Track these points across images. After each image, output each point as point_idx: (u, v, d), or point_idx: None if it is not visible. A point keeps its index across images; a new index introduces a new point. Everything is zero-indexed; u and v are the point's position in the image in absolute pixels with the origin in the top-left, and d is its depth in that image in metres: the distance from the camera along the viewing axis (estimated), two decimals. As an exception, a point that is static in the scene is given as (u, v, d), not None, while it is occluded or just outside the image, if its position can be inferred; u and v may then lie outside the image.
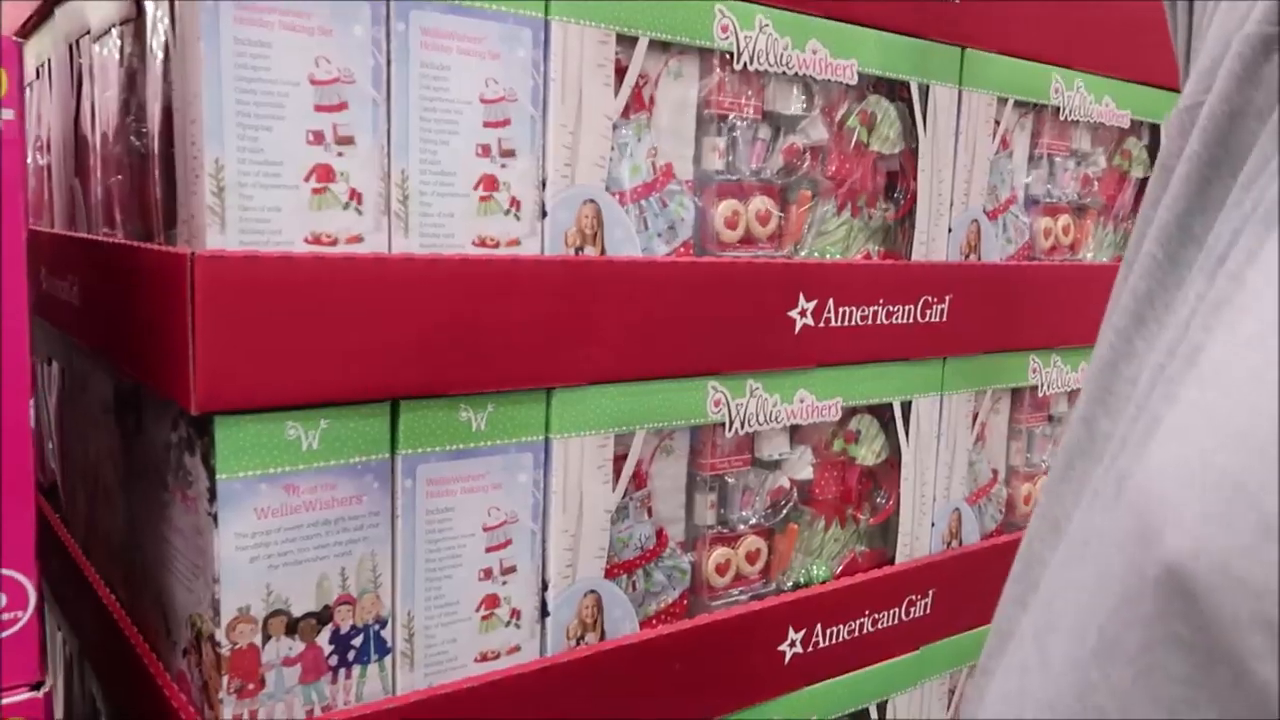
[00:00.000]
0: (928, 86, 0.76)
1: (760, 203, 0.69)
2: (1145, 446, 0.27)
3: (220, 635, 0.50)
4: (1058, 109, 0.86)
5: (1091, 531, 0.30)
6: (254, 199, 0.49)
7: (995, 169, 0.84)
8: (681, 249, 0.65)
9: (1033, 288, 0.86)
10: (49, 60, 0.79)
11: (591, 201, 0.60)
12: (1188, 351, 0.28)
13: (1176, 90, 1.00)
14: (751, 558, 0.72)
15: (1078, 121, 0.89)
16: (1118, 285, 0.36)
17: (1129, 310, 0.34)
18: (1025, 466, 0.92)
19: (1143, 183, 0.98)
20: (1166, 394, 0.28)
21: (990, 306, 0.83)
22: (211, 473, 0.49)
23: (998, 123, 0.82)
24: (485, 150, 0.56)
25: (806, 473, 0.75)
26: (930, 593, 0.81)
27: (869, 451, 0.79)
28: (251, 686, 0.51)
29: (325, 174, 0.51)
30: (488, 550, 0.58)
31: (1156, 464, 0.26)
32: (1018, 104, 0.84)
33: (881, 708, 0.81)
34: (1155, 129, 0.97)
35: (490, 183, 0.56)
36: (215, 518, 0.49)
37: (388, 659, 0.55)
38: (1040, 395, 0.90)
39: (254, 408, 0.49)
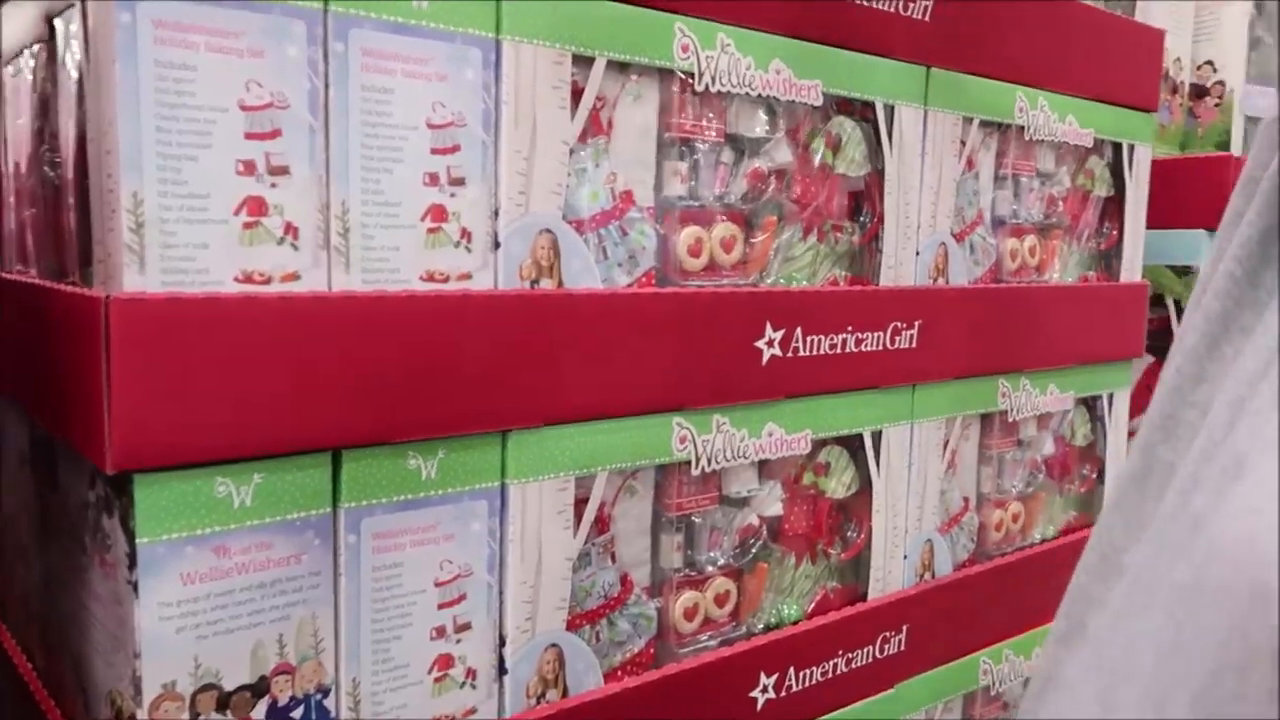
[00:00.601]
0: (893, 107, 0.74)
1: (724, 229, 0.66)
2: (1230, 489, 0.24)
3: (142, 715, 0.45)
4: (1023, 128, 0.85)
5: (1162, 579, 0.27)
6: (177, 235, 0.45)
7: (962, 190, 0.82)
8: (643, 279, 0.62)
9: (1001, 310, 0.85)
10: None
11: (548, 231, 0.57)
12: None
13: (1138, 109, 0.99)
14: (720, 600, 0.68)
15: (1042, 141, 0.87)
16: (1191, 304, 0.33)
17: (1201, 331, 0.31)
18: (996, 493, 0.90)
19: (1106, 202, 0.97)
20: (1255, 431, 0.25)
21: (960, 331, 0.81)
22: (131, 536, 0.44)
23: (963, 143, 0.81)
24: (433, 179, 0.52)
25: (776, 508, 0.72)
26: (904, 628, 0.79)
27: (839, 484, 0.76)
28: (179, 770, 0.46)
29: (257, 207, 0.47)
30: (440, 607, 0.54)
31: (1268, 514, 0.22)
32: (983, 124, 0.82)
33: (856, 749, 0.78)
34: (1117, 148, 0.96)
35: (439, 213, 0.52)
36: (135, 586, 0.44)
37: (332, 730, 0.51)
38: (1010, 420, 0.88)
39: (178, 464, 0.45)
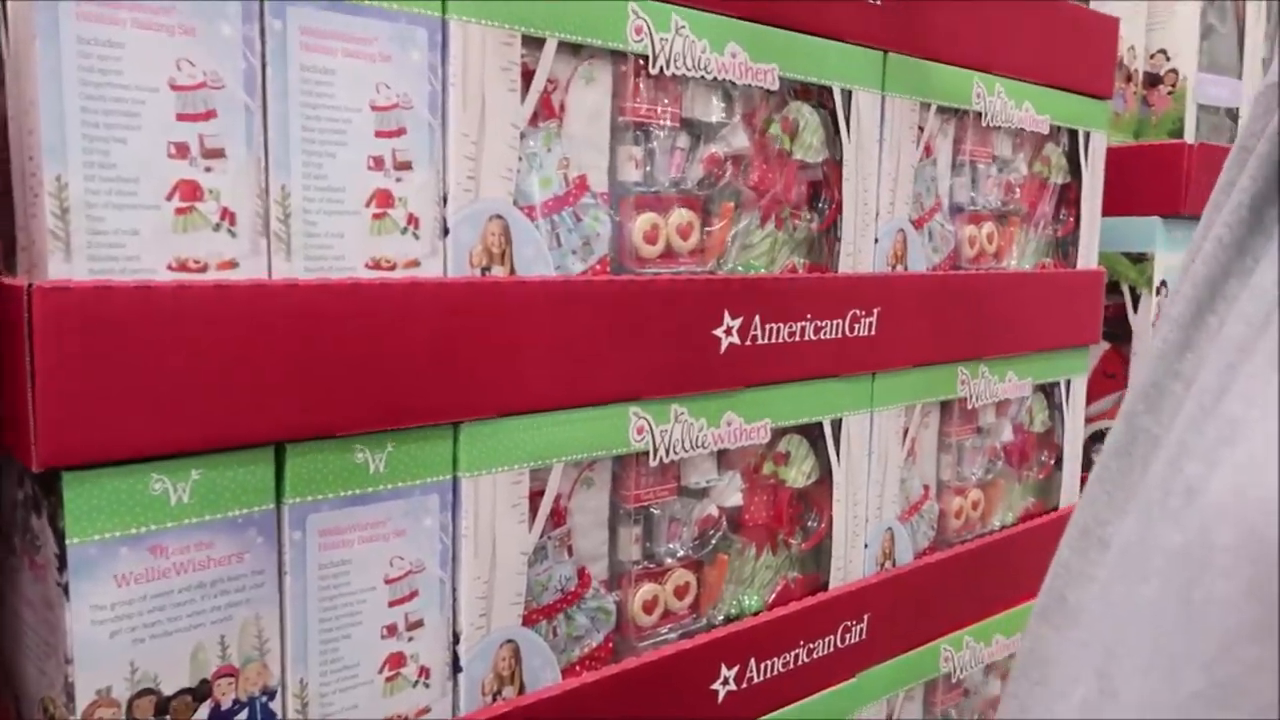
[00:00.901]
0: (850, 92, 0.73)
1: (681, 215, 0.65)
2: (1224, 455, 0.24)
3: (76, 723, 0.43)
4: (980, 114, 0.85)
5: (1154, 549, 0.26)
6: (105, 221, 0.43)
7: (920, 176, 0.82)
8: (598, 267, 0.61)
9: (960, 298, 0.84)
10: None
11: (498, 217, 0.55)
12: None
13: (1094, 96, 0.99)
14: (680, 592, 0.68)
15: (999, 128, 0.87)
16: (1179, 274, 0.33)
17: (1188, 298, 0.30)
18: (956, 480, 0.90)
19: (1063, 189, 0.98)
20: (1251, 394, 0.25)
21: (919, 318, 0.80)
22: (60, 537, 0.42)
23: (921, 129, 0.80)
24: (378, 163, 0.50)
25: (735, 499, 0.71)
26: (865, 617, 0.78)
27: (799, 473, 0.75)
28: (115, 779, 0.44)
29: (191, 191, 0.45)
30: (391, 604, 0.53)
31: (1272, 471, 0.22)
32: (940, 110, 0.82)
33: (818, 739, 0.77)
34: (1073, 135, 0.96)
35: (384, 198, 0.51)
36: (66, 589, 0.42)
37: (278, 734, 0.49)
38: (969, 407, 0.88)
39: (110, 460, 0.43)
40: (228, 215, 0.46)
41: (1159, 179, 1.06)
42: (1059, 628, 0.31)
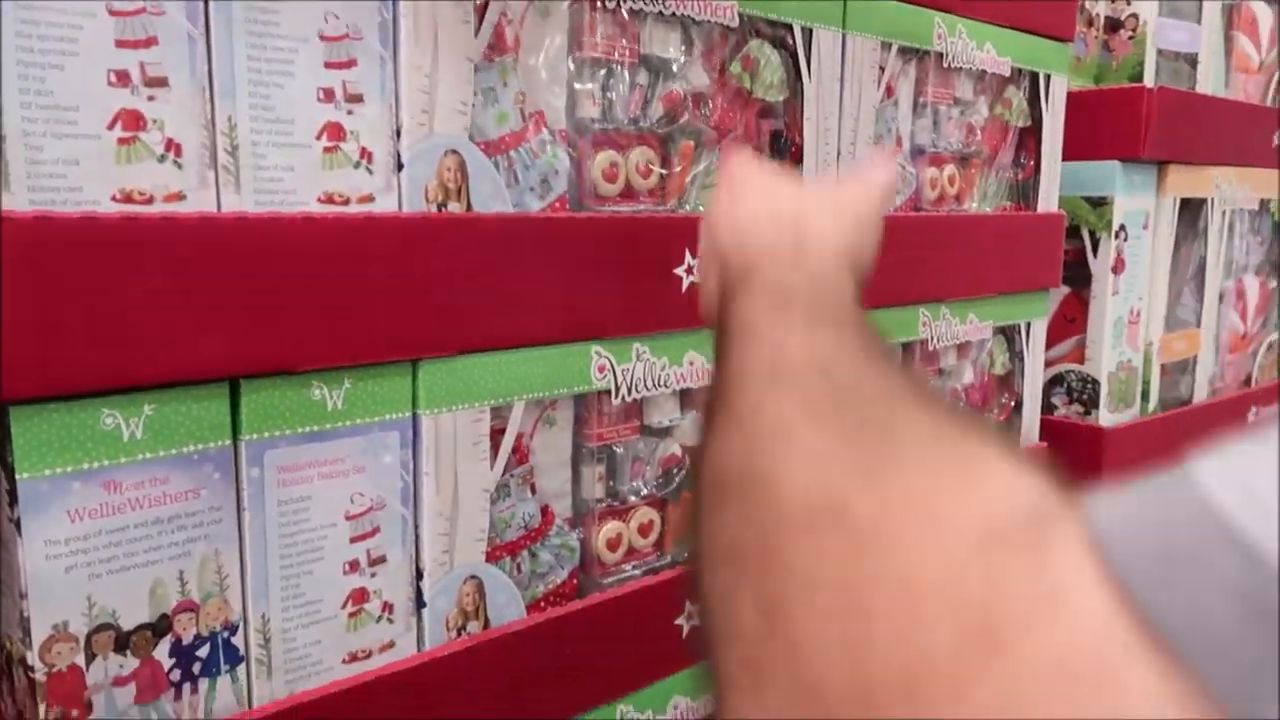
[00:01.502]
0: (810, 30, 0.73)
1: (640, 154, 0.65)
2: None
3: (33, 658, 0.43)
4: (941, 55, 0.85)
5: None
6: (44, 151, 0.42)
7: (881, 117, 0.81)
8: (556, 204, 0.60)
9: (922, 240, 0.85)
10: None
11: (454, 152, 0.55)
12: None
13: (1055, 38, 0.98)
14: (644, 530, 0.68)
15: (960, 69, 0.87)
16: None
17: None
18: (917, 421, 0.91)
19: (1023, 133, 0.98)
20: None
21: (880, 259, 0.80)
22: (10, 472, 0.42)
23: (882, 69, 0.80)
24: (328, 94, 0.50)
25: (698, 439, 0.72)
26: (828, 554, 0.80)
27: (762, 413, 0.76)
28: (76, 713, 0.44)
29: (133, 121, 0.44)
30: (353, 540, 0.53)
31: None
32: (902, 50, 0.82)
33: (783, 674, 0.79)
34: (1034, 78, 0.96)
35: (335, 131, 0.50)
36: (18, 524, 0.42)
37: (240, 668, 0.49)
38: (931, 349, 0.89)
39: (57, 395, 0.42)
40: (173, 146, 0.45)
41: (1119, 123, 1.07)
42: None
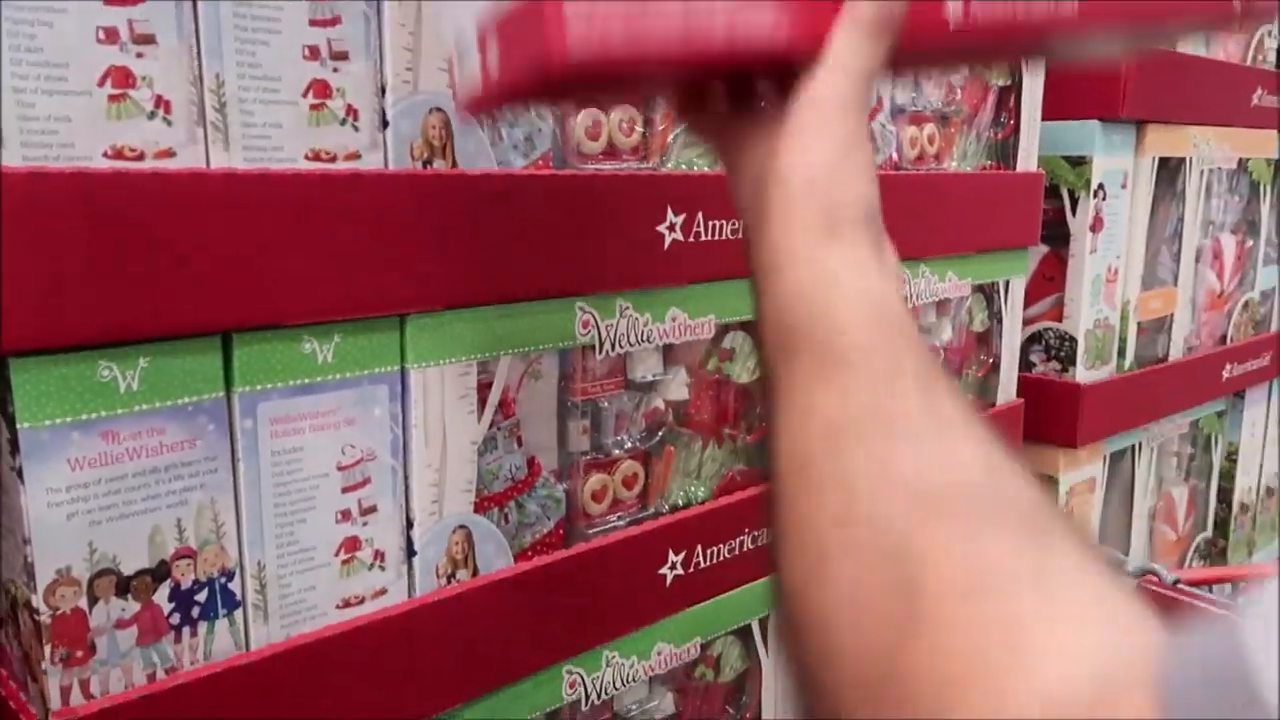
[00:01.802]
0: (792, -11, 0.73)
1: (623, 112, 0.65)
2: None
3: (38, 601, 0.44)
4: (921, 15, 0.85)
5: None
6: (36, 107, 0.42)
7: (862, 77, 0.82)
8: (540, 162, 0.61)
9: (902, 198, 0.86)
10: None
11: (439, 110, 0.55)
12: None
13: None
14: (628, 482, 0.70)
15: (941, 29, 0.88)
16: None
17: None
18: (897, 377, 0.93)
19: (1003, 91, 0.99)
20: None
21: (860, 218, 0.82)
22: (11, 422, 0.43)
23: (863, 29, 0.81)
24: (313, 52, 0.50)
25: (682, 393, 0.73)
26: (808, 506, 0.82)
27: (744, 369, 0.77)
28: (80, 654, 0.46)
29: (123, 78, 0.44)
30: (344, 490, 0.54)
31: None
32: (882, 10, 0.82)
33: (764, 623, 0.81)
34: (1015, 37, 0.97)
35: (322, 89, 0.51)
36: (20, 473, 0.43)
37: (238, 612, 0.51)
38: (911, 305, 0.91)
39: (55, 347, 0.43)
40: (162, 103, 0.46)
41: (1098, 83, 1.08)
42: None
